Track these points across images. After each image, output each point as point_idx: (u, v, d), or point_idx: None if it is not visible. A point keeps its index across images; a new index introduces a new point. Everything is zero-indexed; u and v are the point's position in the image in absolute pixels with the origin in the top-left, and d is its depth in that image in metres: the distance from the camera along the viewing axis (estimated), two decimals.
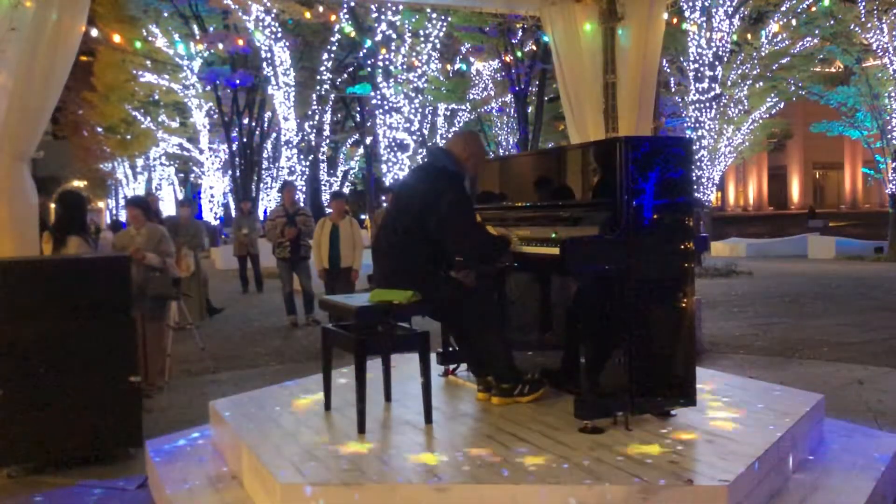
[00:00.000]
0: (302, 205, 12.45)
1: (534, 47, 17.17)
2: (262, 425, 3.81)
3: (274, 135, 25.89)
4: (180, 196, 39.10)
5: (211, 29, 20.56)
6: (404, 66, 18.80)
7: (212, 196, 28.36)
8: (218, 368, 7.53)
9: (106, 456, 4.62)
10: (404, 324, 3.98)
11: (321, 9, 14.58)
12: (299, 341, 9.22)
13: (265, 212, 24.49)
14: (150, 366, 6.39)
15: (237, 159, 24.47)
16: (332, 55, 23.34)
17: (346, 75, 26.61)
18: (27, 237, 4.87)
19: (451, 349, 4.67)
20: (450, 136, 4.43)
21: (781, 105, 22.94)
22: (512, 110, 21.20)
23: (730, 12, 18.12)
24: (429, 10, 17.10)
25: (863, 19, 18.30)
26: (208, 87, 23.76)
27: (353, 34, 19.33)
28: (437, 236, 3.82)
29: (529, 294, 4.40)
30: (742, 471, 2.94)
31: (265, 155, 26.07)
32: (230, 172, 25.52)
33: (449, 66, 21.22)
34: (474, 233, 3.93)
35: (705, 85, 18.75)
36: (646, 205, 3.53)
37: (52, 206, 6.85)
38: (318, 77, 23.95)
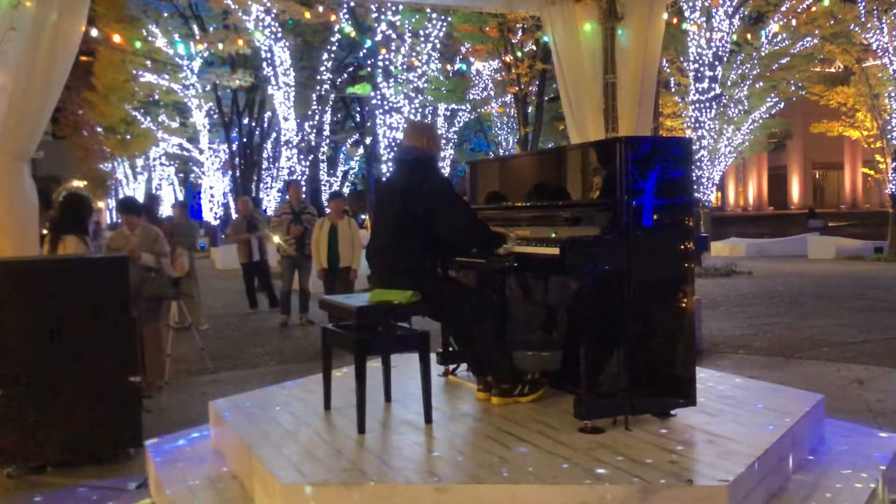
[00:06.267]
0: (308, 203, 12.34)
1: (534, 47, 17.15)
2: (262, 425, 3.81)
3: (274, 135, 25.89)
4: (181, 196, 39.14)
5: (211, 29, 20.58)
6: (404, 66, 18.79)
7: (212, 196, 28.37)
8: (218, 368, 7.53)
9: (106, 456, 4.62)
10: (404, 324, 3.98)
11: (321, 9, 14.57)
12: (299, 341, 9.22)
13: (265, 211, 24.49)
14: (148, 366, 6.39)
15: (237, 159, 24.46)
16: (332, 55, 23.33)
17: (346, 75, 26.62)
18: (27, 237, 4.88)
19: (451, 349, 4.67)
20: (404, 135, 4.57)
21: (781, 105, 22.93)
22: (512, 110, 21.19)
23: (730, 12, 18.12)
24: (429, 10, 17.09)
25: (863, 19, 18.30)
26: (208, 87, 23.76)
27: (353, 34, 19.33)
28: (428, 223, 3.82)
29: (529, 294, 4.40)
30: (742, 471, 2.94)
31: (265, 155, 26.08)
32: (230, 172, 25.52)
33: (449, 66, 21.21)
34: (463, 209, 3.94)
35: (705, 85, 18.75)
36: (646, 205, 3.53)
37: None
38: (318, 77, 23.95)
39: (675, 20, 12.48)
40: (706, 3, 17.55)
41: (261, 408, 4.18)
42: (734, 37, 18.99)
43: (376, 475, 3.05)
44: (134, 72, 25.54)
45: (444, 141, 23.52)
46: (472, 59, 20.83)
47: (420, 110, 19.82)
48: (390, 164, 18.32)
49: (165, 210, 21.77)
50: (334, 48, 22.96)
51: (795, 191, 45.21)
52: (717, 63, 18.61)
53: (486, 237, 3.96)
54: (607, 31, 6.08)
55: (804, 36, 19.80)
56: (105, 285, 4.65)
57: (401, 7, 16.94)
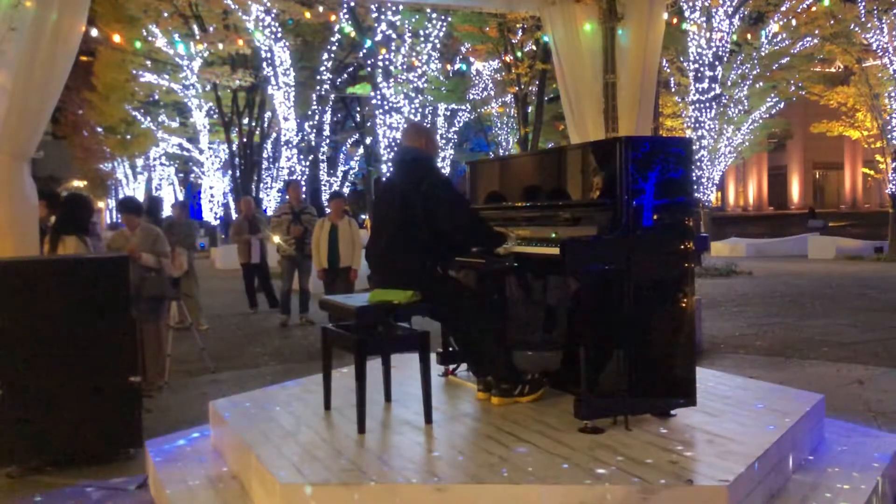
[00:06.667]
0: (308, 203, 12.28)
1: (534, 47, 17.16)
2: (262, 425, 3.81)
3: (274, 135, 25.89)
4: (181, 196, 39.17)
5: (211, 29, 20.58)
6: (404, 66, 18.78)
7: (212, 196, 28.37)
8: (218, 368, 7.53)
9: (106, 456, 4.62)
10: (404, 324, 3.98)
11: (321, 9, 14.56)
12: (299, 341, 9.22)
13: (265, 211, 24.50)
14: (148, 366, 6.40)
15: (237, 159, 24.46)
16: (332, 55, 23.32)
17: (346, 75, 26.60)
18: (27, 237, 4.87)
19: (451, 349, 4.67)
20: (402, 136, 4.63)
21: (781, 105, 22.94)
22: (512, 110, 21.20)
23: (730, 12, 18.12)
24: (429, 10, 17.08)
25: (863, 19, 18.30)
26: (208, 87, 23.76)
27: (353, 34, 19.31)
28: (428, 222, 3.81)
29: (529, 294, 4.40)
30: (742, 471, 2.94)
31: (265, 155, 26.08)
32: (230, 172, 25.52)
33: (449, 66, 21.21)
34: (463, 207, 3.96)
35: (705, 85, 18.75)
36: (646, 205, 3.53)
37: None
38: (318, 77, 23.93)
39: (675, 20, 12.49)
40: (706, 3, 17.56)
41: (261, 408, 4.18)
42: (734, 37, 19.00)
43: (376, 475, 3.05)
44: (134, 72, 25.57)
45: (444, 141, 23.53)
46: (472, 59, 20.84)
47: (420, 110, 19.80)
48: (390, 164, 18.34)
49: (166, 211, 21.76)
50: (334, 48, 22.94)
51: (795, 191, 45.23)
52: (717, 63, 18.61)
53: (486, 234, 3.97)
54: (607, 31, 6.08)
55: (804, 36, 19.81)
56: (105, 285, 4.65)
57: (401, 7, 16.92)
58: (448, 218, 3.85)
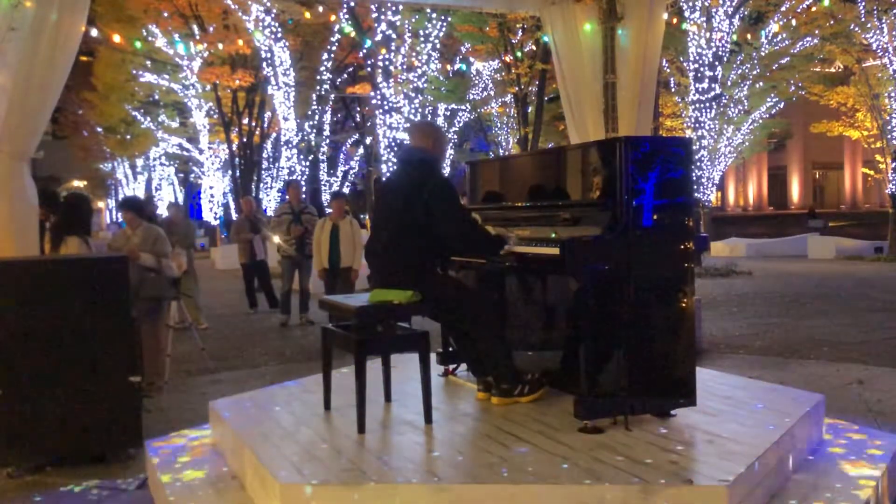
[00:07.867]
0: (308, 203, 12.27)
1: (534, 47, 17.16)
2: (262, 425, 3.81)
3: (274, 135, 25.90)
4: (181, 196, 39.20)
5: (211, 29, 20.59)
6: (404, 66, 18.78)
7: (212, 196, 28.37)
8: (218, 368, 7.53)
9: (106, 456, 4.62)
10: (404, 324, 3.98)
11: (321, 9, 14.56)
12: (299, 341, 9.22)
13: (265, 211, 24.50)
14: (148, 366, 6.39)
15: (237, 159, 24.48)
16: (332, 55, 23.34)
17: (345, 75, 26.62)
18: (27, 237, 4.88)
19: (451, 349, 4.67)
20: (410, 135, 4.66)
21: (781, 105, 22.95)
22: (512, 110, 21.20)
23: (730, 12, 18.13)
24: (429, 10, 17.08)
25: (863, 19, 18.31)
26: (208, 87, 23.77)
27: (353, 34, 19.32)
28: (429, 223, 3.81)
29: (529, 294, 4.40)
30: (742, 471, 2.94)
31: (265, 155, 26.10)
32: (230, 172, 25.54)
33: (449, 66, 21.20)
34: (462, 220, 3.94)
35: (705, 85, 18.75)
36: (646, 205, 3.53)
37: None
38: (318, 77, 23.94)
39: (675, 20, 12.50)
40: (706, 3, 17.57)
41: (261, 408, 4.18)
42: (734, 37, 19.01)
43: (376, 475, 3.05)
44: (134, 72, 25.59)
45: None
46: (472, 59, 20.83)
47: (420, 110, 19.80)
48: (390, 164, 18.32)
49: (163, 211, 21.76)
50: (334, 48, 22.95)
51: (795, 191, 45.20)
52: (717, 63, 18.62)
53: (484, 243, 3.96)
54: (607, 31, 6.08)
55: (804, 36, 19.83)
56: (105, 285, 4.64)
57: (401, 7, 16.93)
58: (447, 231, 3.85)
